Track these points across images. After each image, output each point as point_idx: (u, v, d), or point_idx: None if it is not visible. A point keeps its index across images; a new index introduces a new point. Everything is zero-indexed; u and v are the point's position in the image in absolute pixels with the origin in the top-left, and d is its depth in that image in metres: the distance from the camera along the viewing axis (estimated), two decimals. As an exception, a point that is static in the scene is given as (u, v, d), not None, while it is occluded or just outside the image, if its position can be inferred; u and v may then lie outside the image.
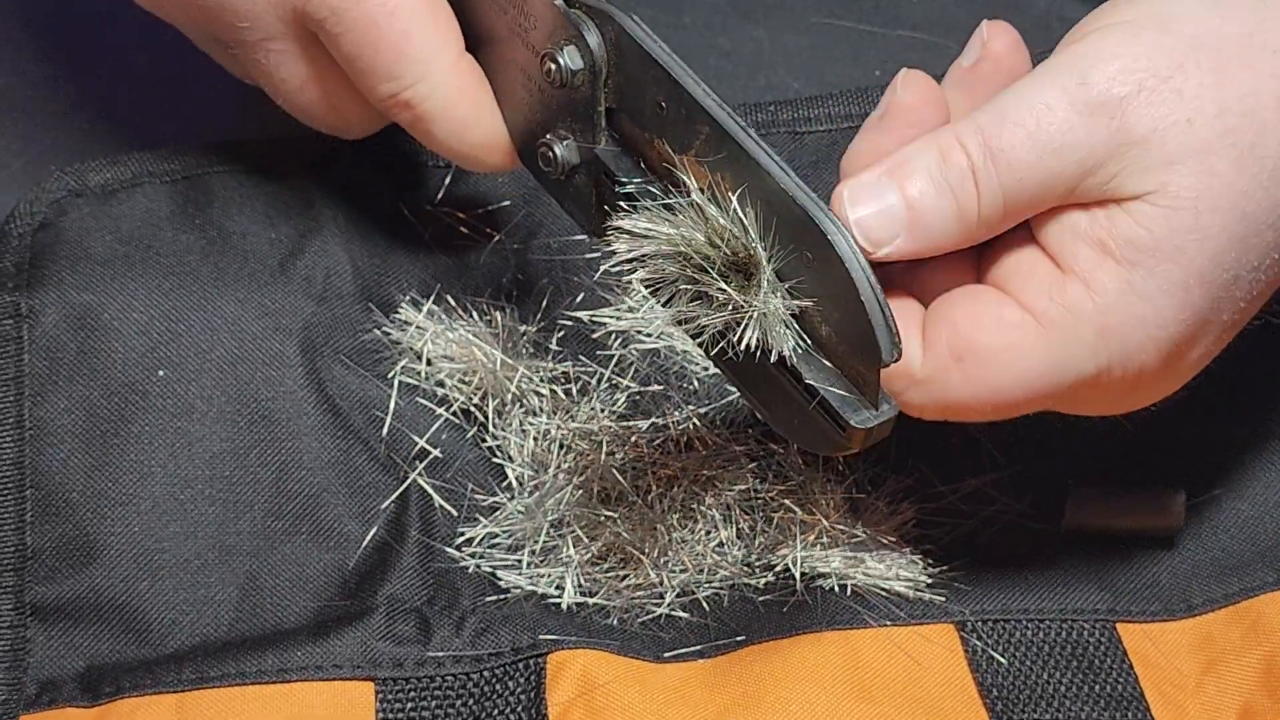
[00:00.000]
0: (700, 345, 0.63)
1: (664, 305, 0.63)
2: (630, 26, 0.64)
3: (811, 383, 0.61)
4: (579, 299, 0.76)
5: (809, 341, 0.62)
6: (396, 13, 0.69)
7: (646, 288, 0.63)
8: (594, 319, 0.75)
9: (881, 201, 0.62)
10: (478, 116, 0.70)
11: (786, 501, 0.72)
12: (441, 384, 0.74)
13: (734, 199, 0.61)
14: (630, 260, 0.63)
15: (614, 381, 0.74)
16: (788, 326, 0.61)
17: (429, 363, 0.74)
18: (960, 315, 0.63)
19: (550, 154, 0.68)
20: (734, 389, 0.66)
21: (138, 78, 0.84)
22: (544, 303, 0.76)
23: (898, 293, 0.64)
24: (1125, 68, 0.61)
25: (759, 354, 0.61)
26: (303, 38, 0.71)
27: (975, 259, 0.65)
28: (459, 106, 0.70)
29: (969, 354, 0.62)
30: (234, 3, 0.70)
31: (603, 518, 0.71)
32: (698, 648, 0.69)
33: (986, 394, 0.63)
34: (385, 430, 0.74)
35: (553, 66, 0.66)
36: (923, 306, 0.64)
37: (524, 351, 0.75)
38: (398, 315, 0.75)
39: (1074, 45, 0.63)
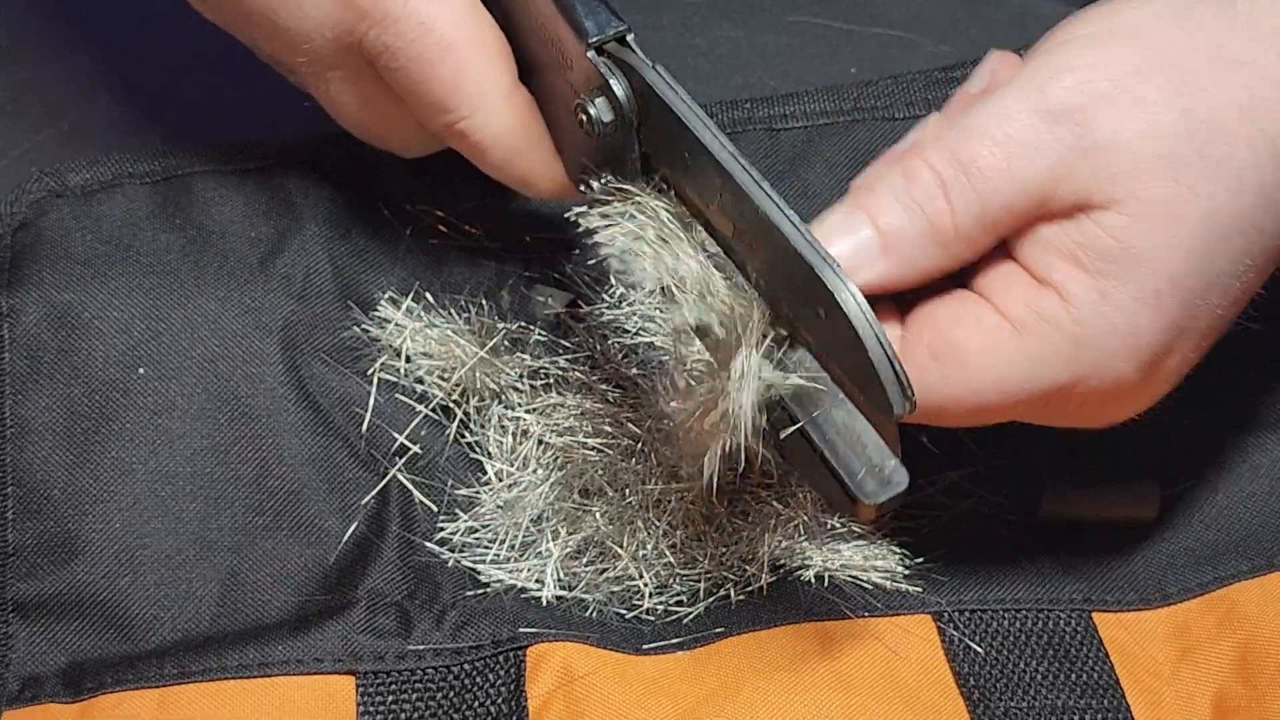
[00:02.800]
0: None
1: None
2: (653, 79, 0.65)
3: (826, 456, 0.62)
4: (558, 294, 0.77)
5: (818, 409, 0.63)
6: (451, 49, 0.69)
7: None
8: (572, 315, 0.76)
9: (854, 236, 0.63)
10: (529, 146, 0.71)
11: (764, 495, 0.72)
12: (421, 380, 0.75)
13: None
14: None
15: (592, 377, 0.75)
16: (800, 398, 0.63)
17: (408, 359, 0.75)
18: (941, 316, 0.64)
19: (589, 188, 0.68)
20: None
21: (118, 81, 0.84)
22: (522, 299, 0.77)
23: (883, 300, 0.65)
24: (1084, 77, 0.62)
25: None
26: (360, 66, 0.72)
27: (959, 272, 0.65)
28: (511, 136, 0.71)
29: (946, 353, 0.63)
30: (293, 32, 0.70)
31: (581, 512, 0.72)
32: (677, 640, 0.70)
33: (963, 394, 0.63)
34: (365, 427, 0.74)
35: (584, 118, 0.67)
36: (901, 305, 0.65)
37: (502, 348, 0.75)
38: (377, 313, 0.76)
39: (1038, 58, 0.64)
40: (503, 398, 0.74)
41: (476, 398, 0.74)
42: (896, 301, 0.65)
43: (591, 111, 0.66)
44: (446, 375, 0.74)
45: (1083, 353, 0.63)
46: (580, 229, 0.67)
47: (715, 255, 0.65)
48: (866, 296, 0.60)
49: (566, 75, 0.68)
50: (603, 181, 0.68)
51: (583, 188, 0.69)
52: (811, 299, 0.61)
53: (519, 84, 0.71)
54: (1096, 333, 0.62)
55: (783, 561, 0.71)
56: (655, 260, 0.65)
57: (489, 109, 0.70)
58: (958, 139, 0.63)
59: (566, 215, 0.68)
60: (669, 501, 0.71)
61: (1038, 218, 0.63)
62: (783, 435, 0.63)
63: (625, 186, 0.67)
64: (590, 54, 0.66)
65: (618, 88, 0.66)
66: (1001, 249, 0.64)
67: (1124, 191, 0.62)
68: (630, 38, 0.66)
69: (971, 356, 0.63)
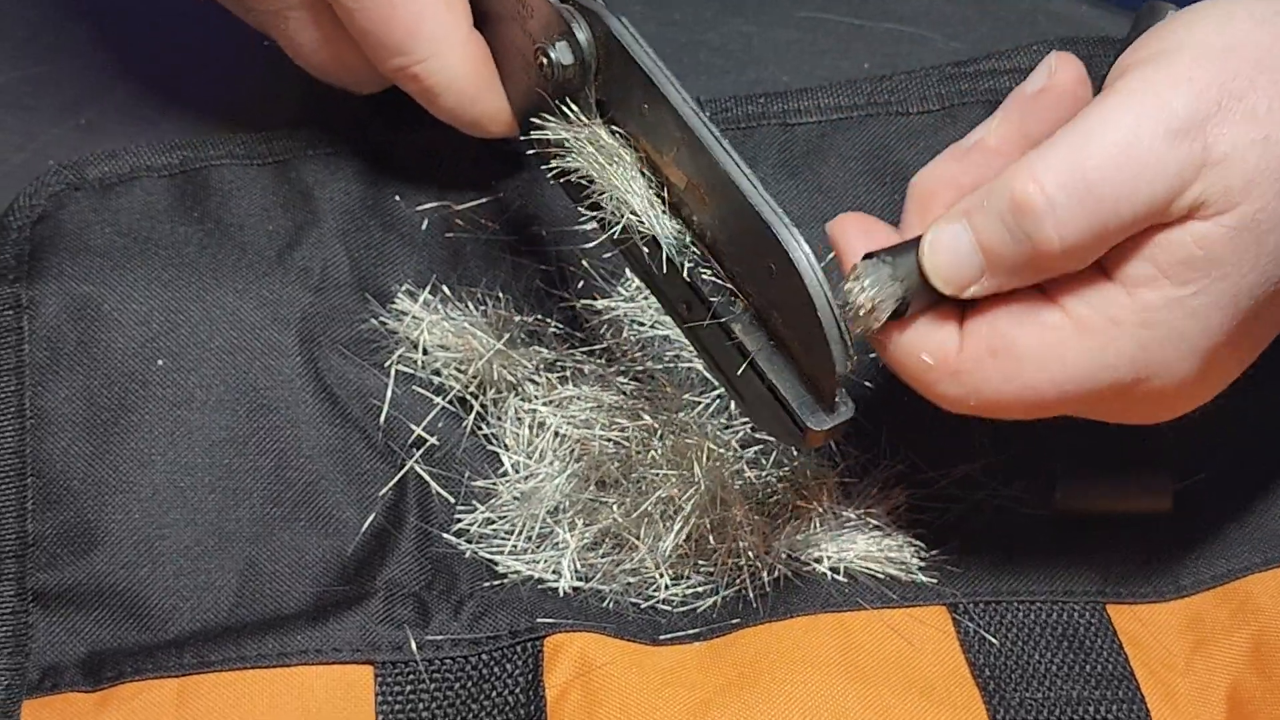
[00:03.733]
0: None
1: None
2: (617, 28, 0.66)
3: (774, 383, 0.64)
4: (574, 288, 0.77)
5: (772, 343, 0.64)
6: None
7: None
8: (588, 307, 0.76)
9: (958, 251, 0.63)
10: (481, 91, 0.73)
11: (780, 487, 0.73)
12: (438, 373, 0.75)
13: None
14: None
15: (609, 369, 0.75)
16: (751, 325, 0.64)
17: (425, 352, 0.75)
18: (1002, 313, 0.64)
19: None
20: (715, 378, 0.68)
21: (135, 74, 0.84)
22: (538, 292, 0.77)
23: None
24: (1202, 90, 0.61)
25: (733, 347, 0.65)
26: (319, 7, 0.73)
27: None
28: (465, 81, 0.73)
29: (1005, 350, 0.63)
30: None
31: (598, 504, 0.72)
32: (694, 630, 0.70)
33: (1019, 391, 0.63)
34: (383, 418, 0.74)
35: (544, 60, 0.67)
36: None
37: (519, 340, 0.75)
38: (394, 305, 0.76)
39: (1141, 69, 0.62)
40: (519, 390, 0.74)
41: (493, 390, 0.74)
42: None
43: (552, 55, 0.67)
44: (463, 368, 0.75)
45: (1147, 356, 0.62)
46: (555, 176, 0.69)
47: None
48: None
49: (526, 25, 0.69)
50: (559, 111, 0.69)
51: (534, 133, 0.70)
52: (762, 254, 0.62)
53: (474, 30, 0.72)
54: (1164, 338, 0.62)
55: (798, 553, 0.71)
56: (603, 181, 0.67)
57: (445, 54, 0.72)
58: (1072, 158, 0.61)
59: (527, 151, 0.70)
60: (685, 493, 0.71)
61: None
62: (738, 371, 0.65)
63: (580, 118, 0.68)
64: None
65: (580, 33, 0.67)
66: None
67: (1233, 204, 0.61)
68: None
69: (1030, 354, 0.63)
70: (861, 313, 0.63)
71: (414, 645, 0.69)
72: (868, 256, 0.64)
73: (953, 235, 0.63)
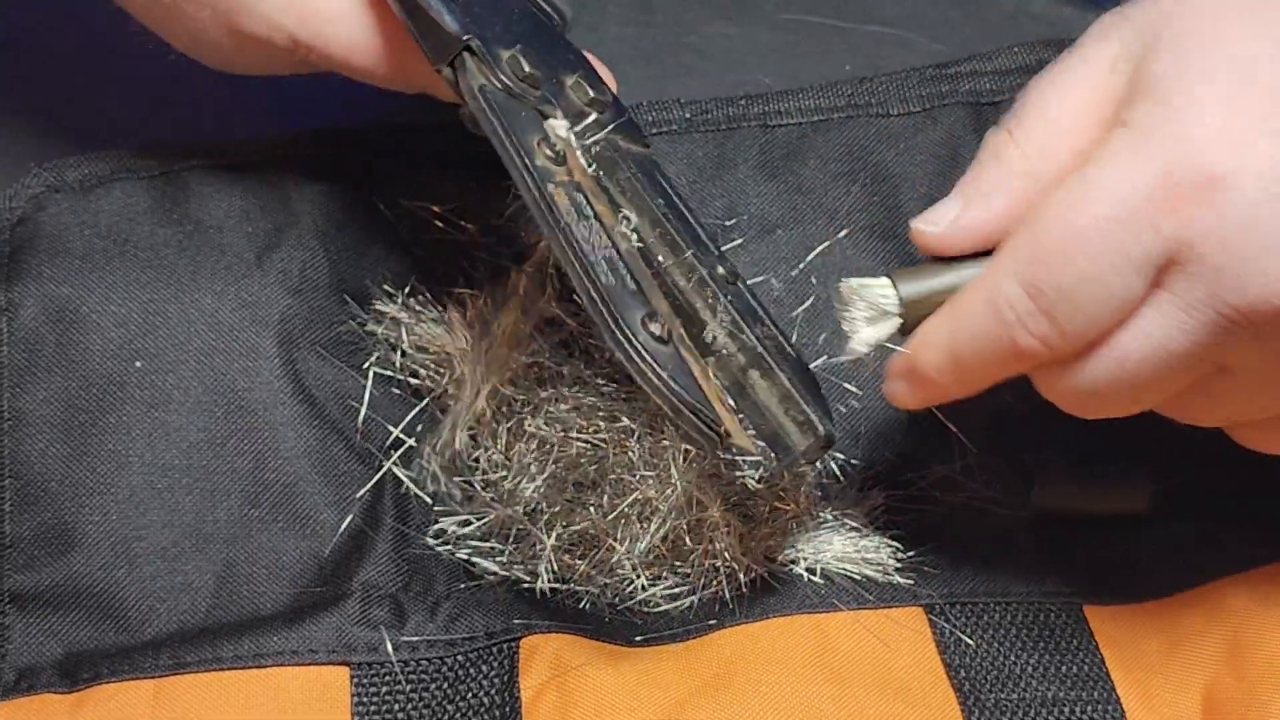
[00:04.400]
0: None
1: None
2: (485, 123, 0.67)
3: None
4: (554, 290, 0.77)
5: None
6: None
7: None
8: (566, 309, 0.76)
9: (942, 201, 0.64)
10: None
11: (757, 488, 0.73)
12: (416, 375, 0.75)
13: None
14: None
15: (587, 371, 0.75)
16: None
17: (403, 354, 0.75)
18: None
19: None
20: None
21: (116, 77, 0.85)
22: (517, 294, 0.77)
23: None
24: None
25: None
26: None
27: None
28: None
29: (1028, 216, 0.62)
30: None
31: (575, 505, 0.72)
32: (670, 631, 0.70)
33: (1046, 230, 0.61)
34: (360, 420, 0.74)
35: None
36: None
37: (497, 342, 0.75)
38: (373, 307, 0.76)
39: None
40: (497, 392, 0.74)
41: (471, 391, 0.74)
42: None
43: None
44: (442, 369, 0.75)
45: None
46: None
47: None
48: None
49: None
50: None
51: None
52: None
53: None
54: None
55: (775, 555, 0.72)
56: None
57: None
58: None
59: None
60: (662, 495, 0.71)
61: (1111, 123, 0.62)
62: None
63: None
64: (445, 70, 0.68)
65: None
66: None
67: None
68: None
69: (1043, 201, 0.62)
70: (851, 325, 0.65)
71: (390, 646, 0.69)
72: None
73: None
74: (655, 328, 0.62)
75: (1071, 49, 0.65)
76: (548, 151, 0.66)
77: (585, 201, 0.65)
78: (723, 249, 0.77)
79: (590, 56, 0.74)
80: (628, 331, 0.61)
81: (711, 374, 0.66)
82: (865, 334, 0.65)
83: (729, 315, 0.66)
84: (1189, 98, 0.60)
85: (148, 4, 0.74)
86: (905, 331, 0.65)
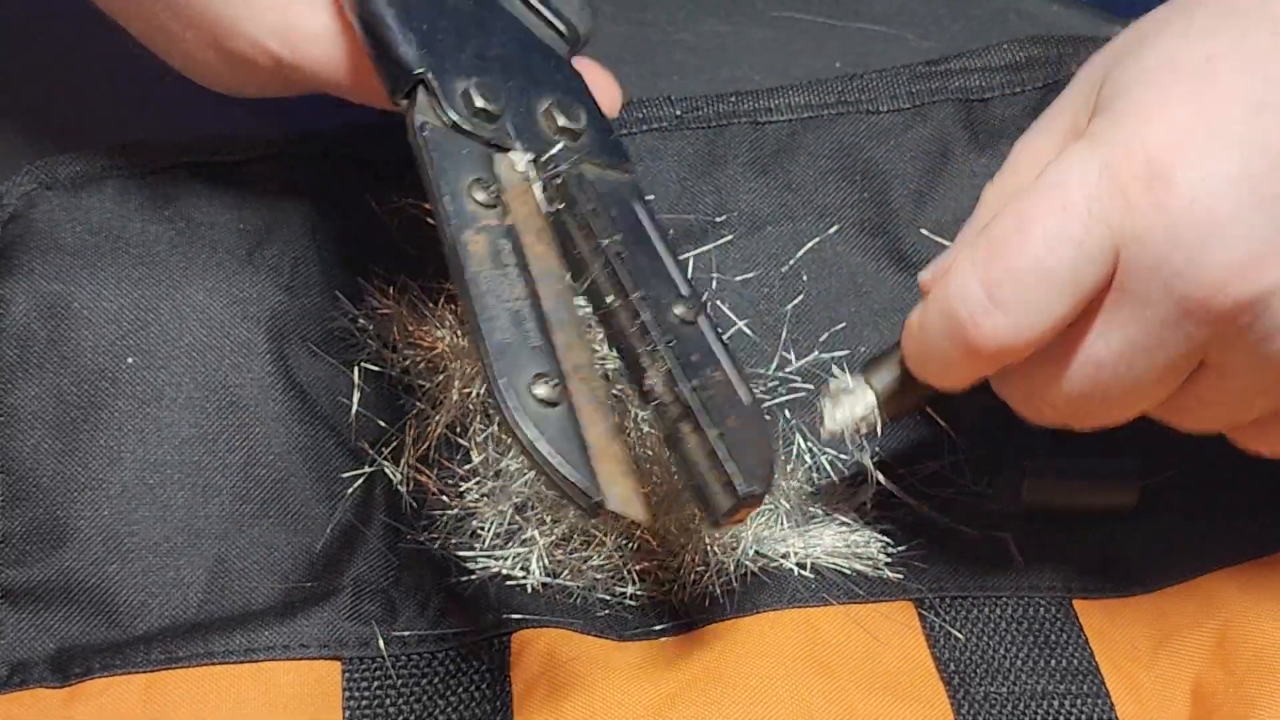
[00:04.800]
0: None
1: None
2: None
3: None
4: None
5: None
6: None
7: None
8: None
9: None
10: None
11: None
12: (407, 371, 0.75)
13: None
14: None
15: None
16: None
17: (394, 350, 0.75)
18: None
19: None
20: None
21: (107, 75, 0.85)
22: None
23: None
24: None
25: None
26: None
27: None
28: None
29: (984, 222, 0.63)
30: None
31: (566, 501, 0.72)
32: (660, 626, 0.70)
33: (999, 226, 0.62)
34: (352, 416, 0.75)
35: None
36: None
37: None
38: (364, 303, 0.76)
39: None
40: (488, 388, 0.74)
41: (462, 386, 0.75)
42: None
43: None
44: (432, 365, 0.75)
45: None
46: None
47: None
48: None
49: None
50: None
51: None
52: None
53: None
54: None
55: (765, 549, 0.72)
56: None
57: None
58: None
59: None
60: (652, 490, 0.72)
61: None
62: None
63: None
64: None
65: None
66: None
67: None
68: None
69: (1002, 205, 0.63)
70: (848, 432, 0.68)
71: (381, 641, 0.69)
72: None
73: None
74: (544, 390, 0.62)
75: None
76: (479, 196, 0.66)
77: (510, 248, 0.65)
78: (707, 245, 0.78)
79: (594, 69, 0.74)
80: (511, 392, 0.61)
81: (631, 429, 0.67)
82: (841, 421, 0.68)
83: (665, 364, 0.66)
84: (1137, 102, 0.61)
85: (143, 28, 0.74)
86: (890, 417, 0.69)
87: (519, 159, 0.68)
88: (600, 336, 0.68)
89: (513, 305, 0.63)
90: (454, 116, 0.67)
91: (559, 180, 0.68)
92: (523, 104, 0.70)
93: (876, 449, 0.74)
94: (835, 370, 0.69)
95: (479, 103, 0.68)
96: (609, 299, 0.67)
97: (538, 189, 0.68)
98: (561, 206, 0.68)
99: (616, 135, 0.72)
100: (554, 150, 0.69)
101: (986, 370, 0.64)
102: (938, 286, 0.63)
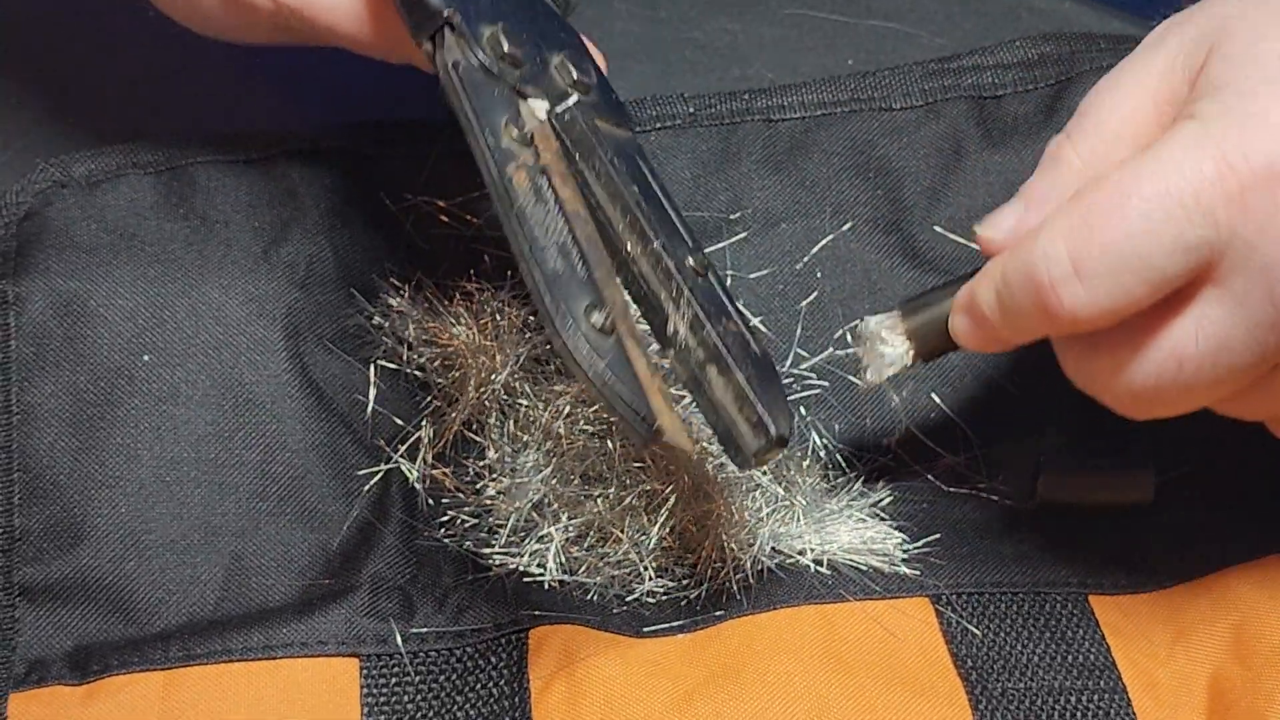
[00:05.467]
0: None
1: None
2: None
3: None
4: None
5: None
6: None
7: None
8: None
9: (1005, 206, 0.65)
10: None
11: (764, 480, 0.73)
12: (423, 368, 0.75)
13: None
14: None
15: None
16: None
17: (410, 347, 0.75)
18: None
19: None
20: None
21: (123, 72, 0.85)
22: (522, 287, 0.77)
23: None
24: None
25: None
26: None
27: None
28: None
29: (1079, 190, 0.62)
30: None
31: (582, 497, 0.72)
32: (677, 623, 0.70)
33: (1096, 200, 0.61)
34: (368, 413, 0.75)
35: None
36: None
37: (503, 335, 0.75)
38: (379, 301, 0.76)
39: None
40: (504, 385, 0.75)
41: (478, 384, 0.75)
42: None
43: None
44: (448, 363, 0.75)
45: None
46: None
47: None
48: None
49: None
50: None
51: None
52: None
53: None
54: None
55: (781, 545, 0.72)
56: None
57: None
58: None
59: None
60: (669, 486, 0.72)
61: (1170, 121, 0.63)
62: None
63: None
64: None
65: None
66: None
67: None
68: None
69: (1099, 177, 0.62)
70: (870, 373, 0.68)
71: (399, 638, 0.69)
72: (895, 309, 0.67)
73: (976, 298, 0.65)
74: (598, 318, 0.62)
75: (1130, 55, 0.65)
76: (514, 133, 0.66)
77: (548, 185, 0.65)
78: (721, 242, 0.78)
79: (585, 41, 0.74)
80: (569, 319, 0.61)
81: (659, 368, 0.65)
82: (880, 367, 0.68)
83: (691, 309, 0.66)
84: (1255, 95, 0.60)
85: None
86: (923, 359, 0.67)
87: (539, 106, 0.68)
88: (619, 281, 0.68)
89: (559, 239, 0.63)
90: (483, 58, 0.67)
91: (576, 129, 0.68)
92: (538, 55, 0.70)
93: (894, 444, 0.74)
94: (866, 319, 0.68)
95: (506, 47, 0.67)
96: (629, 246, 0.67)
97: (554, 136, 0.68)
98: (578, 155, 0.68)
99: (617, 96, 0.72)
100: (570, 101, 0.69)
101: (1057, 333, 0.64)
102: (1025, 243, 0.62)
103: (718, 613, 0.70)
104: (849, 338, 0.68)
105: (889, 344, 0.68)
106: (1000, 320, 0.64)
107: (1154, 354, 0.62)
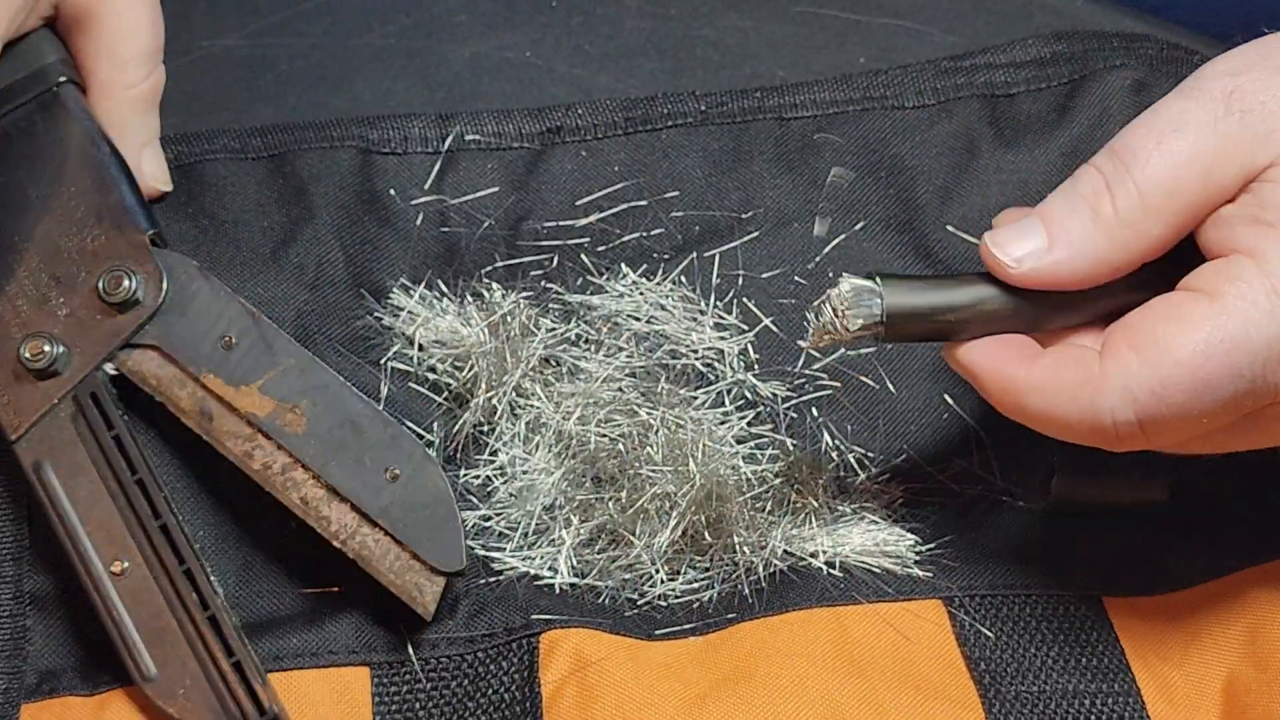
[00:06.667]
0: None
1: None
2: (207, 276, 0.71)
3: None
4: (570, 283, 0.77)
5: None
6: None
7: None
8: (584, 303, 0.76)
9: (1022, 229, 0.64)
10: None
11: (776, 482, 0.73)
12: (433, 369, 0.75)
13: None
14: None
15: (604, 365, 0.75)
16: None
17: (421, 348, 0.75)
18: (1136, 315, 0.63)
19: (41, 351, 0.70)
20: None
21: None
22: (534, 287, 0.77)
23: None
24: (1230, 65, 0.63)
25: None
26: None
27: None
28: None
29: (1146, 342, 0.62)
30: None
31: (594, 500, 0.72)
32: (689, 625, 0.70)
33: (1170, 372, 0.61)
34: (379, 416, 0.74)
35: (120, 285, 0.71)
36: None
37: (514, 336, 0.75)
38: (389, 301, 0.76)
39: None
40: (515, 386, 0.74)
41: (488, 385, 0.74)
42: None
43: (129, 283, 0.71)
44: (459, 364, 0.75)
45: None
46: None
47: None
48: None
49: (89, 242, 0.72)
50: None
51: None
52: (388, 460, 0.69)
53: None
54: None
55: (794, 548, 0.72)
56: None
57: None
58: (1117, 137, 0.63)
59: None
60: (681, 489, 0.71)
61: (1211, 203, 0.62)
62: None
63: None
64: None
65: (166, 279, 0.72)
66: (1192, 250, 0.64)
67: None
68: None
69: (1169, 335, 0.61)
70: (829, 323, 0.64)
71: (410, 645, 0.69)
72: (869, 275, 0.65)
73: (1018, 220, 0.65)
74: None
75: (1173, 96, 0.64)
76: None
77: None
78: (732, 241, 0.77)
79: None
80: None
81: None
82: (840, 338, 0.65)
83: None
84: None
85: None
86: (887, 339, 0.65)
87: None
88: None
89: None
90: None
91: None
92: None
93: (906, 446, 0.74)
94: (846, 277, 0.65)
95: None
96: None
97: None
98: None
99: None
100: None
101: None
102: (1086, 389, 0.62)
103: (730, 615, 0.70)
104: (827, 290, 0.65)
105: (860, 317, 0.64)
106: (1042, 427, 0.64)
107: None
